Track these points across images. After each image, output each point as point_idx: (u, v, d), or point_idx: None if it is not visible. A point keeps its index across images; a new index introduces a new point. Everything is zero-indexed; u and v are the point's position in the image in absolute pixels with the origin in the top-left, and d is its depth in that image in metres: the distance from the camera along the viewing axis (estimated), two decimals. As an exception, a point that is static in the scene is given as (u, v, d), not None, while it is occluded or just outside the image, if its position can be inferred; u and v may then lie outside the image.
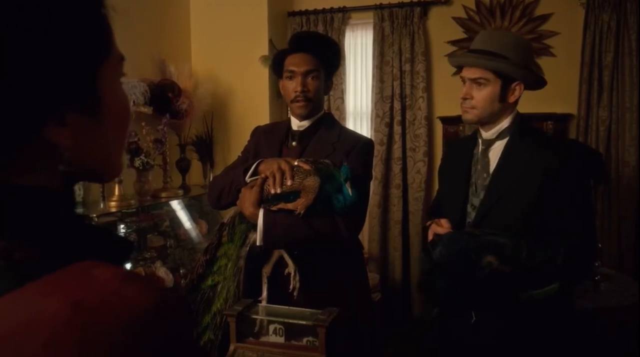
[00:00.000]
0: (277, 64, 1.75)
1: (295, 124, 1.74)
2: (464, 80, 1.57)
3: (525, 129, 1.56)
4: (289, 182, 1.47)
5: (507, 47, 1.52)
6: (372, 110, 3.78)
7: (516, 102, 1.55)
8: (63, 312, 0.38)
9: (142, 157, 2.66)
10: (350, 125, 3.83)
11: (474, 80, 1.52)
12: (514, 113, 1.56)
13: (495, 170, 1.54)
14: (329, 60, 1.72)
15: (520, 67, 1.51)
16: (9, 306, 0.39)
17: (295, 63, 1.67)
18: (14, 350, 0.37)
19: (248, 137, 1.87)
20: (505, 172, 1.52)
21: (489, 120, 1.55)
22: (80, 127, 0.47)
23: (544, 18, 3.54)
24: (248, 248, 1.58)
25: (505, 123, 1.55)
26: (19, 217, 0.44)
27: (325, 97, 3.82)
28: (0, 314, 0.39)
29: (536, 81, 1.57)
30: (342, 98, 3.80)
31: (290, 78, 1.68)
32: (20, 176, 0.45)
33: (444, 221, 1.56)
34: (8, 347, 0.37)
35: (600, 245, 2.91)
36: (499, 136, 1.55)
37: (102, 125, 0.49)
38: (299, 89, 1.65)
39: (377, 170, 3.70)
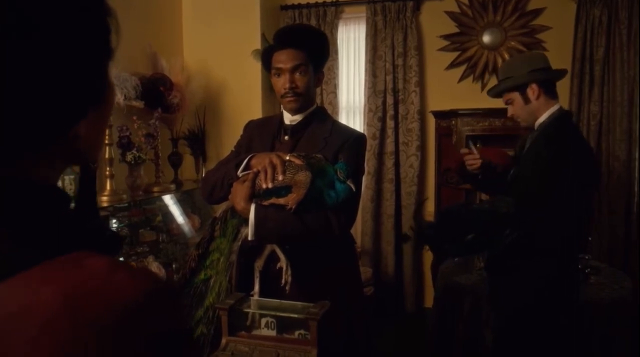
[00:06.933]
0: (265, 61, 1.74)
1: (288, 118, 1.73)
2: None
3: (555, 124, 1.88)
4: (280, 177, 1.46)
5: (510, 68, 1.97)
6: (364, 105, 3.78)
7: (548, 101, 1.91)
8: (55, 301, 0.39)
9: (134, 151, 2.64)
10: (343, 119, 3.82)
11: (506, 103, 2.00)
12: (550, 111, 1.91)
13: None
14: (315, 52, 1.69)
15: (522, 76, 1.90)
16: (3, 294, 0.40)
17: (282, 60, 1.65)
18: (9, 336, 0.38)
19: (241, 132, 1.86)
20: (523, 156, 1.96)
21: (530, 120, 1.96)
22: (92, 117, 0.50)
23: (536, 13, 3.55)
24: (240, 242, 1.58)
25: (542, 118, 1.92)
26: (17, 208, 0.45)
27: (318, 91, 3.79)
28: None
29: (546, 73, 1.92)
30: (334, 92, 3.80)
31: (278, 75, 1.67)
32: (35, 170, 0.47)
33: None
34: (3, 333, 0.38)
35: (590, 238, 2.95)
36: (537, 128, 1.94)
37: (102, 113, 0.53)
38: (287, 85, 1.64)
39: (370, 165, 3.71)
